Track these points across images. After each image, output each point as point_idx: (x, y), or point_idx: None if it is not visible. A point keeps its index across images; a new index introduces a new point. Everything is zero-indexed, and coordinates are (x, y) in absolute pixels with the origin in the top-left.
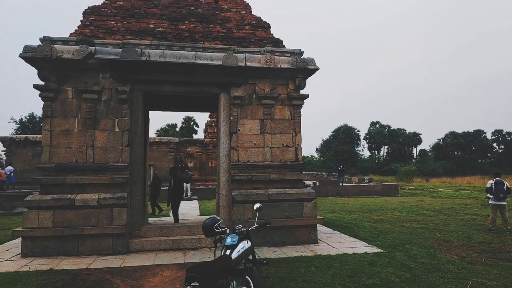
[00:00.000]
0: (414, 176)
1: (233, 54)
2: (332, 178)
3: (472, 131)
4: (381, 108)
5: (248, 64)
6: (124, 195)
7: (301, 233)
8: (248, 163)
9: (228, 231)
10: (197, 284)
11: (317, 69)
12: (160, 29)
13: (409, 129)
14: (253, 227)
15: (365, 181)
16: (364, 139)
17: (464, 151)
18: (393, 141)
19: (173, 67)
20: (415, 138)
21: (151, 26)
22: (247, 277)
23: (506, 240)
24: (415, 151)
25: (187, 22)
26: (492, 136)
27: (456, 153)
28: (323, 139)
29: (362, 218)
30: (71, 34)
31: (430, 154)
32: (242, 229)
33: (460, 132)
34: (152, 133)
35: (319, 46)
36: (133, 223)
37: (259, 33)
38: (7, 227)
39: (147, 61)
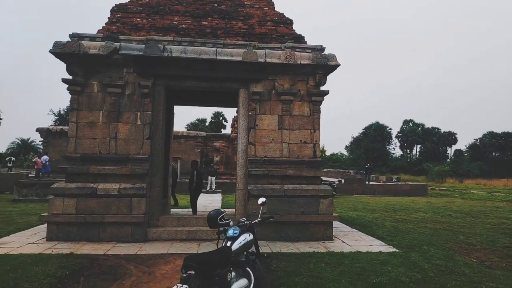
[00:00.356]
0: (447, 177)
1: (253, 50)
2: (359, 176)
3: None
4: (415, 106)
5: (268, 60)
6: (144, 186)
7: (316, 230)
8: (265, 158)
9: (232, 223)
10: (193, 273)
11: (338, 65)
12: (183, 25)
13: (444, 128)
14: (256, 220)
15: (393, 180)
16: (396, 137)
17: (503, 152)
18: (427, 140)
19: (194, 63)
20: (450, 138)
21: (174, 22)
22: (248, 268)
23: None
24: (450, 151)
25: (209, 18)
26: None
27: (494, 154)
28: (353, 137)
29: (384, 217)
30: (99, 31)
31: (466, 154)
32: (246, 222)
33: (499, 132)
34: (182, 127)
35: (350, 39)
36: (151, 213)
37: (280, 29)
38: (39, 212)
39: (169, 56)
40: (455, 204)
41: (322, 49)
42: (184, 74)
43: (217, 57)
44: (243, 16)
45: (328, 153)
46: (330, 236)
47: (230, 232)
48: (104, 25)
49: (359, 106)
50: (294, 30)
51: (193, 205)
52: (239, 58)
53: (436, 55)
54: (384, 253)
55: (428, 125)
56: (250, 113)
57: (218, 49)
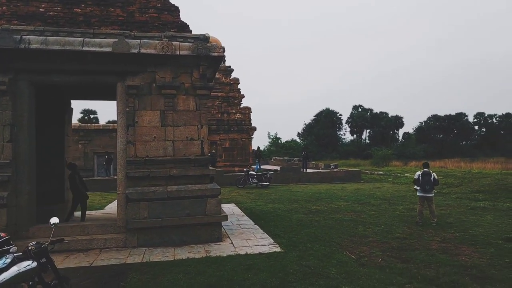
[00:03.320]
0: (392, 160)
1: (125, 40)
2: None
3: (454, 114)
4: (365, 92)
5: (143, 51)
6: (4, 195)
7: (204, 232)
8: (146, 158)
9: (14, 249)
10: None
11: (222, 56)
12: (51, 13)
13: (392, 113)
14: (46, 244)
15: (331, 167)
16: (346, 123)
17: (446, 134)
18: (375, 124)
19: (59, 55)
20: (397, 122)
21: (41, 10)
22: None
23: (425, 234)
24: (400, 135)
25: (83, 5)
26: (474, 119)
27: (438, 136)
28: (305, 123)
29: (299, 209)
30: None
31: (413, 137)
32: (32, 248)
33: (442, 115)
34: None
35: (314, 27)
36: (19, 224)
37: (164, 17)
38: None
39: (26, 48)
40: (381, 190)
41: (205, 38)
42: (50, 67)
43: (83, 48)
44: (122, 3)
45: (283, 141)
46: (218, 237)
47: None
48: None
49: (314, 94)
50: (180, 18)
51: (83, 209)
52: (109, 49)
53: (385, 42)
54: (263, 255)
55: (376, 110)
56: (127, 109)
57: (86, 39)
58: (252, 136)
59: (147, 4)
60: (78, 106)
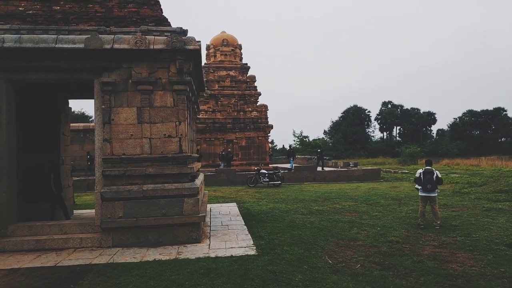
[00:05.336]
0: (421, 158)
1: (98, 36)
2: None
3: (492, 109)
4: (395, 88)
5: (116, 46)
6: None
7: (181, 232)
8: (123, 156)
9: None
10: None
11: (197, 49)
12: (30, 11)
13: (423, 109)
14: None
15: (350, 165)
16: (375, 120)
17: (483, 131)
18: (406, 121)
19: (34, 53)
20: (430, 118)
21: (20, 8)
22: None
23: (422, 238)
24: (434, 131)
25: (62, 2)
26: None
27: (474, 132)
28: (332, 121)
29: (299, 209)
30: None
31: (448, 134)
32: None
33: (479, 110)
34: None
35: (337, 24)
36: None
37: (143, 11)
38: None
39: (0, 47)
40: (397, 190)
41: (182, 32)
42: (26, 65)
43: (56, 45)
44: None
45: (311, 139)
46: (196, 238)
47: None
48: None
49: (343, 91)
50: (160, 12)
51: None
52: (82, 46)
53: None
54: (233, 258)
55: (407, 106)
56: (103, 106)
57: (59, 36)
58: (268, 134)
59: None
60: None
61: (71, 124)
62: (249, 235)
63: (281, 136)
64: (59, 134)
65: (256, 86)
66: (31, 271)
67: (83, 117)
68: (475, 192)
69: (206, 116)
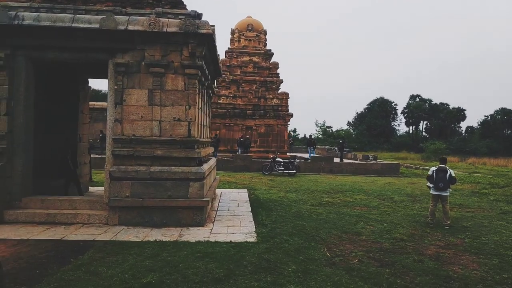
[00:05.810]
0: (446, 155)
1: (113, 16)
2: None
3: None
4: (426, 82)
5: (130, 27)
6: None
7: (185, 215)
8: (132, 137)
9: None
10: None
11: (210, 33)
12: None
13: (453, 105)
14: None
15: (369, 158)
16: (401, 113)
17: None
18: (434, 116)
19: (51, 31)
20: (459, 114)
21: None
22: None
23: (428, 237)
24: (464, 128)
25: None
26: None
27: (506, 131)
28: (357, 112)
29: (308, 200)
30: None
31: (477, 132)
32: None
33: None
34: None
35: (370, 18)
36: (13, 193)
37: None
38: None
39: (20, 24)
40: (413, 186)
41: (196, 15)
42: (44, 44)
43: (73, 25)
44: None
45: (334, 129)
46: (200, 222)
47: None
48: None
49: (371, 84)
50: None
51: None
52: (97, 26)
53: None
54: (232, 244)
55: (436, 101)
56: (116, 87)
57: (76, 16)
58: (288, 123)
59: None
60: None
61: (96, 103)
62: (253, 222)
63: (305, 126)
64: (78, 112)
65: (278, 73)
66: (38, 243)
67: None
68: (495, 193)
69: (227, 102)
